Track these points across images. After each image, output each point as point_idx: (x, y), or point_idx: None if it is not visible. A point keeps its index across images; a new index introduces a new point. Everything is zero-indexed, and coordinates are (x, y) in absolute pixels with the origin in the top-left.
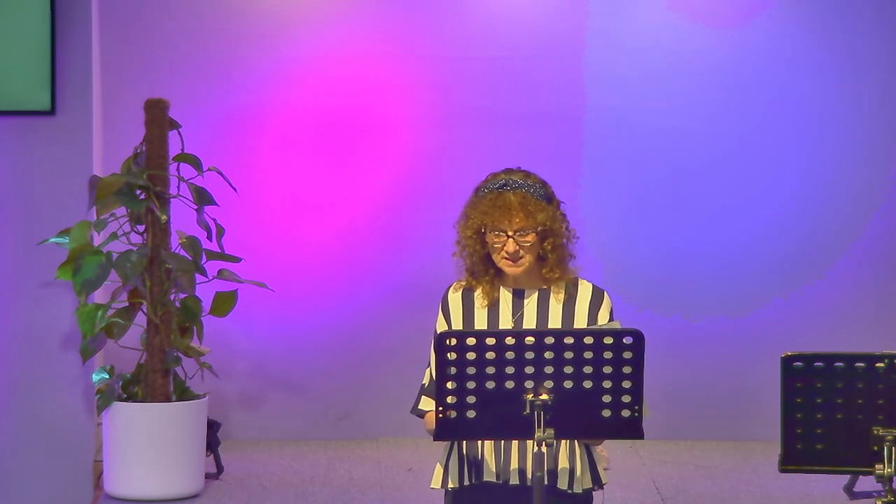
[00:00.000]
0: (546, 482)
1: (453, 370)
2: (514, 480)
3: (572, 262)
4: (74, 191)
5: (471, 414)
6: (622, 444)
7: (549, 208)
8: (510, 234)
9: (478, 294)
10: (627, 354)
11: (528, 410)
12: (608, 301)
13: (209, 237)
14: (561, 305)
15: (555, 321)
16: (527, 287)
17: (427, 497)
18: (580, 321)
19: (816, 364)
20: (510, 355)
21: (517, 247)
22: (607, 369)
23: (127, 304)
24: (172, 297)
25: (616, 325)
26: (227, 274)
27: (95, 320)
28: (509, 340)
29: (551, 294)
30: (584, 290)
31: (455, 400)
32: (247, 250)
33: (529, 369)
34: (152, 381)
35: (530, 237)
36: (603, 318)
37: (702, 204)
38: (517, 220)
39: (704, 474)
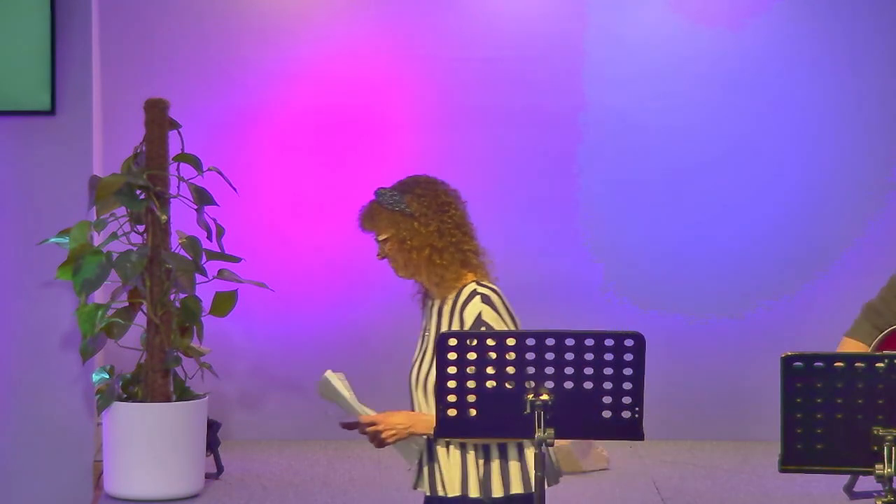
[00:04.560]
0: (429, 492)
1: (454, 370)
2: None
3: (455, 271)
4: (74, 191)
5: (471, 413)
6: (622, 443)
7: (395, 217)
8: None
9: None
10: (628, 356)
11: (528, 410)
12: (479, 305)
13: (209, 237)
14: (448, 315)
15: (437, 331)
16: (433, 296)
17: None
18: (445, 327)
19: (816, 364)
20: (511, 356)
21: (381, 250)
22: (608, 370)
23: (127, 304)
24: (172, 297)
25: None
26: (227, 274)
27: (95, 320)
28: (510, 341)
29: (445, 303)
30: (463, 294)
31: (455, 399)
32: (247, 250)
33: (530, 369)
34: (152, 381)
35: (387, 244)
36: (469, 318)
37: (702, 203)
38: (366, 227)
39: (704, 474)
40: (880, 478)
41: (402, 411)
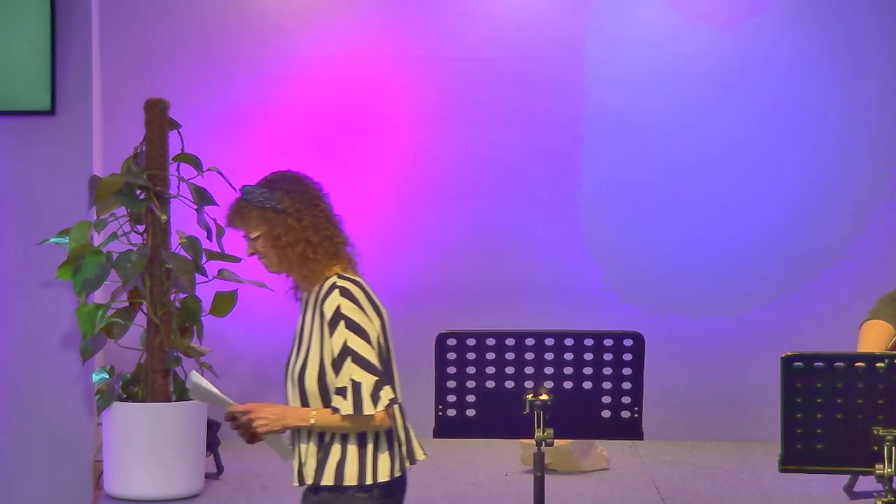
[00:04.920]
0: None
1: (453, 370)
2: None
3: (317, 264)
4: (74, 191)
5: (470, 413)
6: (622, 443)
7: (266, 214)
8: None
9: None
10: (627, 356)
11: (527, 410)
12: (337, 298)
13: (209, 237)
14: (311, 308)
15: (307, 324)
16: (302, 289)
17: (426, 496)
18: (309, 320)
19: (816, 364)
20: (510, 356)
21: (251, 247)
22: (607, 370)
23: (127, 304)
24: (172, 297)
25: (340, 340)
26: (227, 274)
27: (95, 320)
28: (509, 341)
29: (311, 295)
30: (325, 287)
31: (455, 399)
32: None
33: (529, 369)
34: (152, 381)
35: (258, 241)
36: (328, 311)
37: (702, 203)
38: (235, 225)
39: (704, 474)
40: (880, 478)
41: (276, 403)
